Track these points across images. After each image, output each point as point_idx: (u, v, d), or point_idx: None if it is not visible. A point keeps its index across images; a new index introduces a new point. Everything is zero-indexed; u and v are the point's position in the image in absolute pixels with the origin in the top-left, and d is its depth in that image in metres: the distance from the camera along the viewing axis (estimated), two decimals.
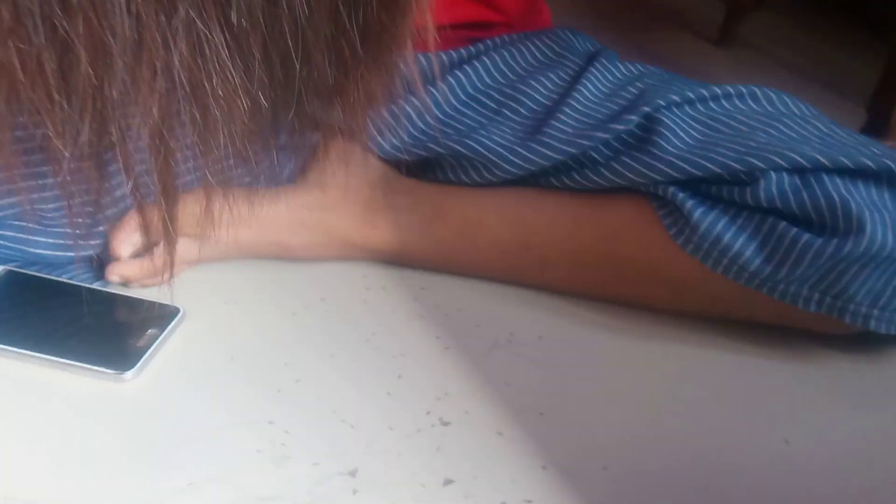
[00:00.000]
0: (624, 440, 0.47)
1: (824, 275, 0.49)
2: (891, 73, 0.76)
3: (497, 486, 0.43)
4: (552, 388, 0.50)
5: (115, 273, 0.51)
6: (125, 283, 0.52)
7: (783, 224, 0.49)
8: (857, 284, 0.49)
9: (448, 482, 0.43)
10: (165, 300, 0.51)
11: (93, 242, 0.52)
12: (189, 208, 0.52)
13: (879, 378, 0.53)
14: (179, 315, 0.50)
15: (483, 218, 0.55)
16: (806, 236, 0.48)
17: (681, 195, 0.51)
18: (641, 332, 0.54)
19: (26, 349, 0.47)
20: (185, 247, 0.52)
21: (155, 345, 0.48)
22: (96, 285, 0.52)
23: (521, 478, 0.44)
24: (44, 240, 0.52)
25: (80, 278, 0.52)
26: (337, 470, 0.43)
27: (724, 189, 0.51)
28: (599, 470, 0.45)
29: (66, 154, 0.31)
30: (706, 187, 0.51)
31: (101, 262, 0.52)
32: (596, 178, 0.53)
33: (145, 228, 0.51)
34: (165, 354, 0.49)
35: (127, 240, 0.51)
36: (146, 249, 0.51)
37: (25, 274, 0.51)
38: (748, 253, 0.50)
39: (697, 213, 0.50)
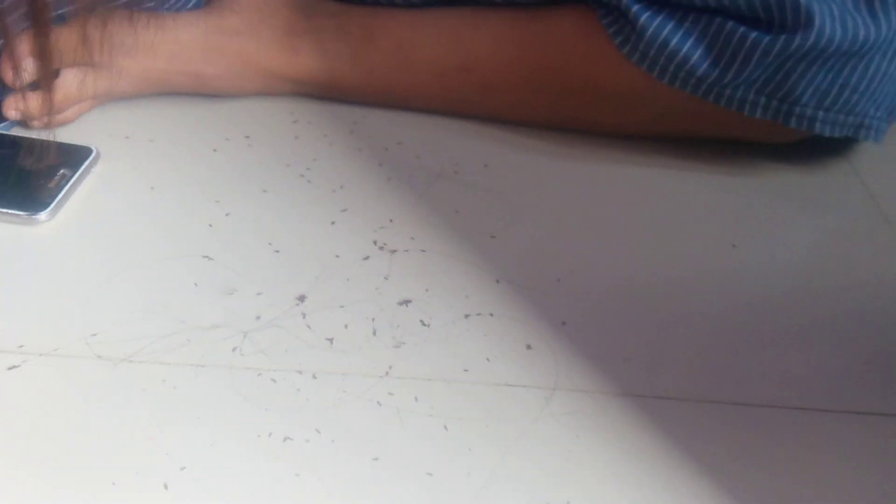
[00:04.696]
0: (576, 255, 0.45)
1: (771, 76, 0.48)
2: None
3: (451, 302, 0.42)
4: (502, 213, 0.48)
5: (12, 108, 0.46)
6: (26, 122, 0.47)
7: (731, 23, 0.47)
8: (803, 84, 0.48)
9: (404, 302, 0.41)
10: (75, 141, 0.46)
11: None
12: (86, 33, 0.46)
13: (821, 185, 0.53)
14: (93, 155, 0.46)
15: (418, 40, 0.52)
16: (754, 34, 0.47)
17: (625, 0, 0.48)
18: (587, 156, 0.53)
19: None
20: (89, 78, 0.47)
21: (68, 185, 0.44)
22: None
23: (475, 293, 0.42)
24: None
25: None
26: (284, 297, 0.40)
27: None
28: (553, 282, 0.43)
29: None
30: None
31: None
32: None
33: (40, 54, 0.46)
34: (81, 195, 0.44)
35: (20, 66, 0.45)
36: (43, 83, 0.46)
37: None
38: (695, 57, 0.48)
39: (643, 18, 0.48)
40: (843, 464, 0.36)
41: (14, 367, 0.36)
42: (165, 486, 0.32)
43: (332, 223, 0.45)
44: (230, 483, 0.32)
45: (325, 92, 0.53)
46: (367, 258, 0.44)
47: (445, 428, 0.35)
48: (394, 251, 0.44)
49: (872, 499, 0.34)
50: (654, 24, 0.48)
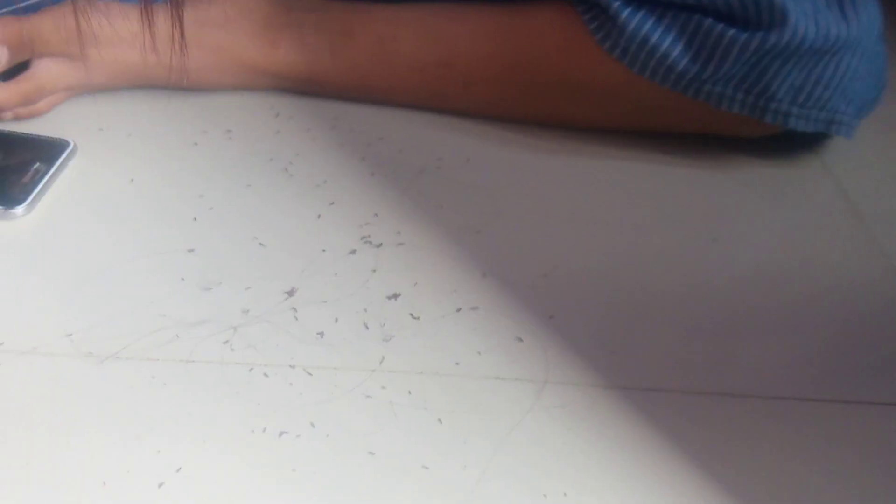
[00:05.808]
0: (561, 250, 0.46)
1: (748, 72, 0.49)
2: None
3: (440, 297, 0.41)
4: (486, 208, 0.48)
5: None
6: None
7: (709, 20, 0.48)
8: (778, 81, 0.49)
9: (392, 296, 0.41)
10: (51, 134, 0.45)
11: None
12: (59, 23, 0.45)
13: (793, 179, 0.54)
14: (70, 148, 0.45)
15: (398, 35, 0.51)
16: (731, 31, 0.48)
17: None
18: (567, 150, 0.53)
19: None
20: (61, 69, 0.46)
21: (45, 180, 0.43)
22: None
23: (462, 287, 0.42)
24: None
25: None
26: (272, 292, 0.40)
27: None
28: (539, 277, 0.44)
29: None
30: None
31: None
32: None
33: (11, 42, 0.45)
34: (59, 189, 0.43)
35: None
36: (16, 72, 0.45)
37: None
38: (675, 52, 0.48)
39: (625, 14, 0.49)
40: (826, 451, 0.36)
41: None
42: (160, 486, 0.31)
43: (319, 217, 0.45)
44: (226, 480, 0.32)
45: (305, 87, 0.52)
46: (353, 252, 0.43)
47: (439, 421, 0.35)
48: (380, 245, 0.44)
49: (856, 486, 0.35)
50: (636, 21, 0.49)
